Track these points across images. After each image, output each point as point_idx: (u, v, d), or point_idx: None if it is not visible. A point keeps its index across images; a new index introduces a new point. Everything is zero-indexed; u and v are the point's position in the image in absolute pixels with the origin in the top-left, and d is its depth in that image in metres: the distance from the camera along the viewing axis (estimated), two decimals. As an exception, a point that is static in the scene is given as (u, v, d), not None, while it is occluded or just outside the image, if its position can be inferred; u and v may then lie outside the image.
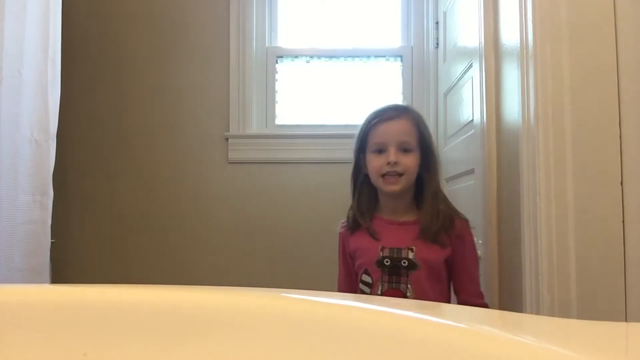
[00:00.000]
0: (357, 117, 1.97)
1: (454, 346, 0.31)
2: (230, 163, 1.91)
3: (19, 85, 1.17)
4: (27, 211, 1.18)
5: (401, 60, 1.98)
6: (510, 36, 1.11)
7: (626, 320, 0.87)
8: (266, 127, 1.97)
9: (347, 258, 1.13)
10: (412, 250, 1.02)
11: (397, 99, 1.97)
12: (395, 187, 1.04)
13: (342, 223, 1.17)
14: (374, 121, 1.07)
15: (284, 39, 2.01)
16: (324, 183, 1.88)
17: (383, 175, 1.04)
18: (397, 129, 1.06)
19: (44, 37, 1.26)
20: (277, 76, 1.99)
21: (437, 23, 1.85)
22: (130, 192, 1.92)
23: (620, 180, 0.90)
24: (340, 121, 1.96)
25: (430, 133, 1.13)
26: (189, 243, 1.89)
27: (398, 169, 1.03)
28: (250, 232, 1.89)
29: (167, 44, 1.94)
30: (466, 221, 1.08)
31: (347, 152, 1.90)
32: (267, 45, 1.98)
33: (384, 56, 1.99)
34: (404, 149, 1.05)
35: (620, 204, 0.89)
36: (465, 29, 1.46)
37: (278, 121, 1.98)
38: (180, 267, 1.88)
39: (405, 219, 1.08)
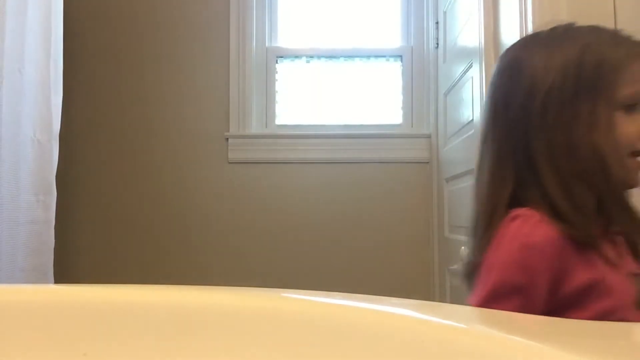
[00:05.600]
0: (357, 118, 1.98)
1: (454, 346, 0.31)
2: (230, 163, 1.91)
3: (20, 84, 1.17)
4: (29, 211, 1.18)
5: (401, 60, 1.98)
6: (510, 36, 1.11)
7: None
8: (266, 127, 1.97)
9: (546, 291, 0.58)
10: None
11: (397, 99, 1.97)
12: None
13: (534, 219, 0.60)
14: (633, 51, 0.63)
15: (284, 39, 2.02)
16: (324, 183, 1.88)
17: (633, 154, 0.62)
18: None
19: (46, 37, 1.26)
20: (277, 76, 1.99)
21: (437, 23, 1.85)
22: (131, 191, 1.92)
23: (620, 180, 0.90)
24: (341, 121, 1.96)
25: None
26: (189, 243, 1.89)
27: None
28: (250, 232, 1.89)
29: (168, 43, 1.94)
30: None
31: (347, 152, 1.90)
32: (267, 45, 1.98)
33: (384, 56, 1.99)
34: None
35: (620, 204, 0.89)
36: (465, 29, 1.46)
37: (278, 121, 1.98)
38: (180, 267, 1.88)
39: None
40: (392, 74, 1.99)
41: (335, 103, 1.98)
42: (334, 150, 1.89)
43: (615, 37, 0.64)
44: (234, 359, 0.37)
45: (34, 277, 1.16)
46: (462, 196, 1.48)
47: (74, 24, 1.81)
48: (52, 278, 1.24)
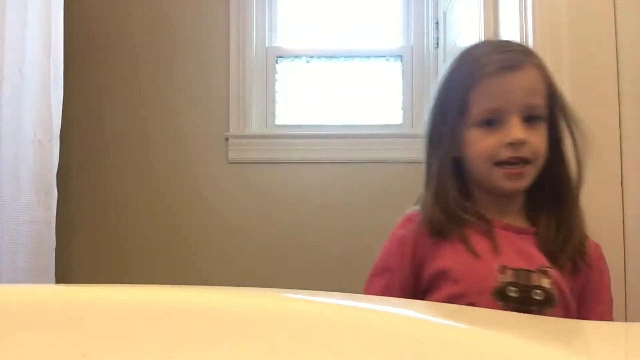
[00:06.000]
0: (357, 118, 1.97)
1: (454, 346, 0.31)
2: (230, 163, 1.91)
3: (21, 84, 1.17)
4: (30, 211, 1.18)
5: (401, 60, 1.98)
6: (510, 36, 1.11)
7: (626, 320, 0.87)
8: (266, 127, 1.97)
9: (410, 274, 0.72)
10: (546, 274, 0.66)
11: (397, 99, 1.97)
12: (520, 184, 0.69)
13: (410, 215, 0.75)
14: (485, 69, 0.68)
15: (284, 39, 2.01)
16: (324, 183, 1.88)
17: (499, 163, 0.68)
18: (523, 85, 0.67)
19: (46, 37, 1.26)
20: (277, 76, 1.99)
21: (437, 23, 1.85)
22: (131, 192, 1.92)
23: (620, 180, 0.90)
24: (341, 121, 1.96)
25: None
26: (188, 243, 1.89)
27: (525, 153, 0.67)
28: (250, 232, 1.89)
29: (168, 44, 1.94)
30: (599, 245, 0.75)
31: (347, 152, 1.90)
32: (267, 45, 1.98)
33: (384, 56, 1.99)
34: (530, 118, 0.67)
35: (620, 204, 0.90)
36: (465, 29, 1.46)
37: (278, 121, 1.98)
38: (180, 267, 1.88)
39: (519, 224, 0.72)
40: (392, 74, 1.98)
41: (335, 103, 1.98)
42: (334, 150, 1.88)
43: (483, 55, 0.70)
44: (234, 358, 0.37)
45: (35, 277, 1.16)
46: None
47: (74, 24, 1.81)
48: (53, 278, 1.24)
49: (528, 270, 0.66)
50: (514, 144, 0.66)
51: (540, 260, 0.68)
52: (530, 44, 0.96)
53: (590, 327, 0.35)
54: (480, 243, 0.68)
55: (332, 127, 1.95)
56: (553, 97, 0.70)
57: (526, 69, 0.68)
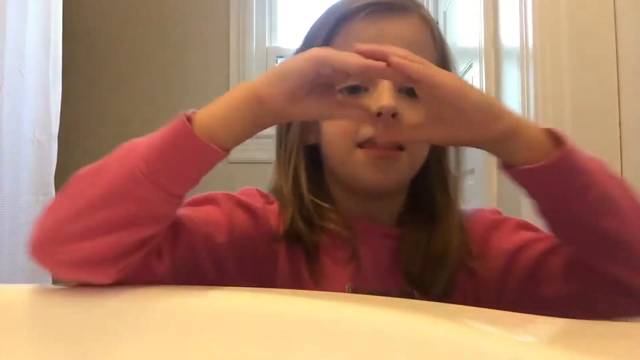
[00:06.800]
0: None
1: (454, 346, 0.31)
2: (230, 163, 1.90)
3: (21, 85, 1.17)
4: (30, 211, 1.18)
5: (401, 60, 1.98)
6: (510, 36, 1.11)
7: (626, 320, 0.87)
8: (266, 127, 1.97)
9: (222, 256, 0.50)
10: (412, 296, 0.51)
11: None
12: (388, 174, 0.50)
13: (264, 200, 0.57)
14: (352, 9, 0.50)
15: (284, 39, 2.02)
16: (324, 183, 1.88)
17: (363, 145, 0.49)
18: (403, 35, 0.50)
19: (45, 37, 1.26)
20: (277, 76, 1.99)
21: (437, 23, 1.85)
22: (131, 192, 1.92)
23: (620, 180, 0.90)
24: (341, 121, 1.96)
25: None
26: (189, 243, 1.89)
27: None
28: (250, 232, 1.89)
29: (168, 43, 1.94)
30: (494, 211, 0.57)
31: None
32: (267, 45, 1.98)
33: (384, 56, 1.99)
34: (410, 92, 0.46)
35: (620, 204, 0.89)
36: (465, 29, 1.46)
37: (278, 121, 1.98)
38: (180, 267, 1.88)
39: (387, 227, 0.54)
40: (392, 74, 1.98)
41: (335, 103, 1.98)
42: (334, 150, 1.88)
43: (340, 6, 0.51)
44: (233, 358, 0.38)
45: (34, 277, 1.16)
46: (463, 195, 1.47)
47: (74, 24, 1.81)
48: (49, 278, 1.24)
49: (386, 293, 0.48)
50: (382, 116, 0.45)
51: (401, 280, 0.51)
52: (530, 44, 0.96)
53: (590, 327, 0.35)
54: (334, 254, 0.51)
55: (332, 127, 1.94)
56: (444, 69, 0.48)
57: (410, 17, 0.51)
